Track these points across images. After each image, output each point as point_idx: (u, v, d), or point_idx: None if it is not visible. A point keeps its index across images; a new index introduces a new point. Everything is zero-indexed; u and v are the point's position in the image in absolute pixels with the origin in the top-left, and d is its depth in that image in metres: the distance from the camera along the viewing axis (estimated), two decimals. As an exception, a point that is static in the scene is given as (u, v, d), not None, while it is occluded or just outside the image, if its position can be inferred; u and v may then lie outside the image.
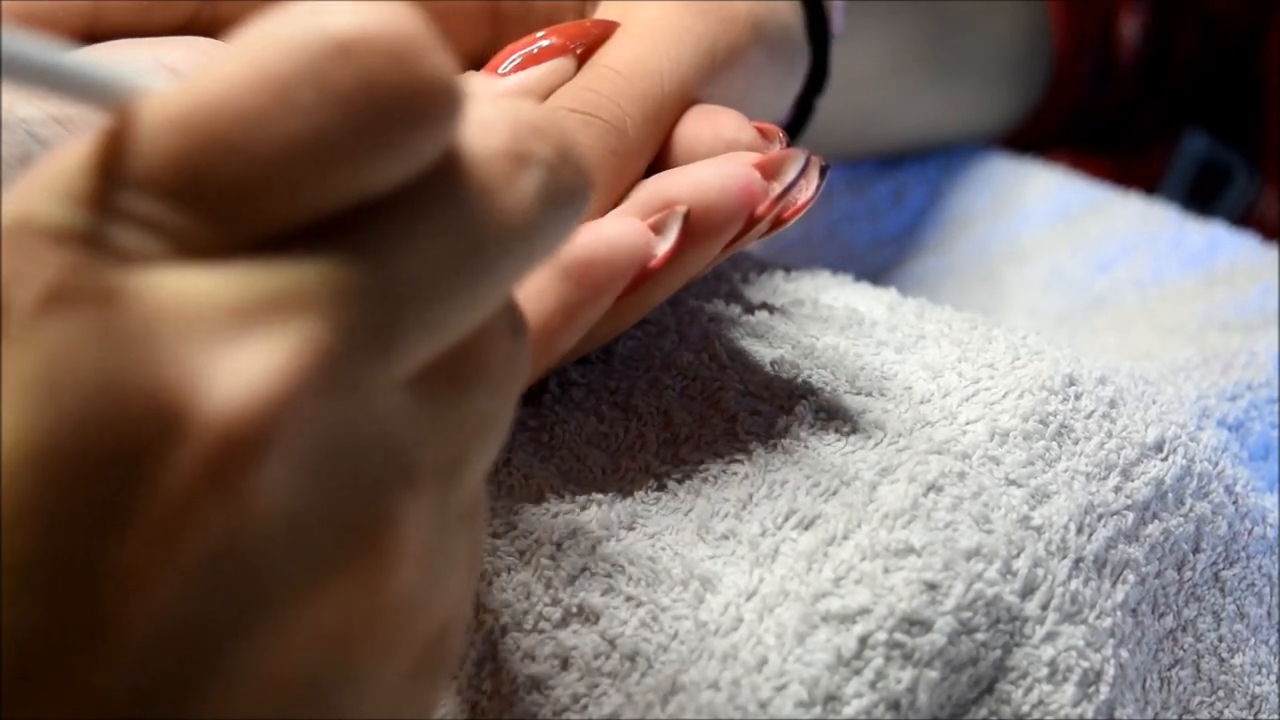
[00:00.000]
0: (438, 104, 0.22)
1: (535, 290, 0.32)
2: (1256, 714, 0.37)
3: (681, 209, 0.34)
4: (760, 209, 0.33)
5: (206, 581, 0.21)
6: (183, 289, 0.21)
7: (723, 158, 0.34)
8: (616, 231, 0.33)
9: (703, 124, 0.36)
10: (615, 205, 0.36)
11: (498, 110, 0.24)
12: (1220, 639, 0.37)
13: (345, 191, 0.22)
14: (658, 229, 0.34)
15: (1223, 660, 0.37)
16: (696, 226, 0.33)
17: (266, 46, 0.22)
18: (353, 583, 0.22)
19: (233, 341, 0.21)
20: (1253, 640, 0.38)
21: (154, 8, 0.36)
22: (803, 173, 0.34)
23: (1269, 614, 0.38)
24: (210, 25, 0.36)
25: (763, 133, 0.36)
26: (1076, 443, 0.34)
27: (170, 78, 0.33)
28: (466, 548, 0.25)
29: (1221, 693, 0.37)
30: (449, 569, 0.24)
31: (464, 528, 0.25)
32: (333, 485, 0.22)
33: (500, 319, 0.25)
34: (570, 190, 0.25)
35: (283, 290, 0.22)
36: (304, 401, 0.21)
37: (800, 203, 0.34)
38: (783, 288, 0.40)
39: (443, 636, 0.25)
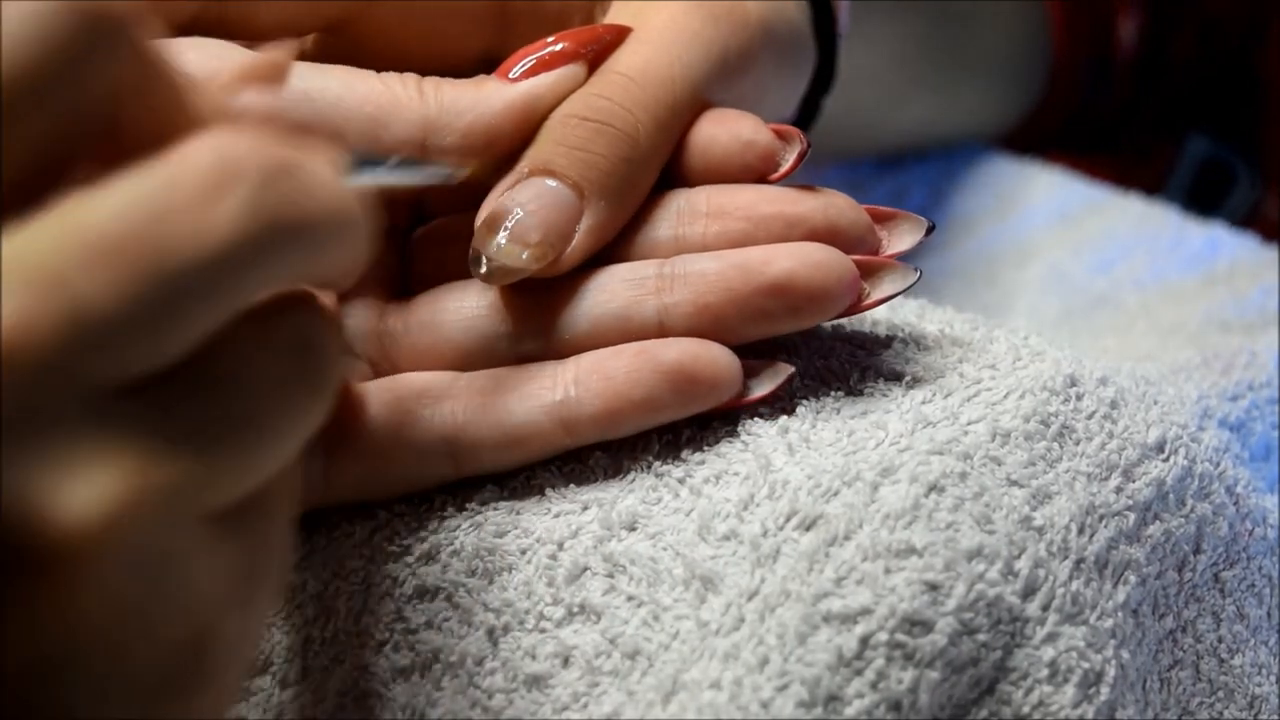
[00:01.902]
0: (97, 24, 0.24)
1: (628, 374, 0.33)
2: (1256, 715, 0.37)
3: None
4: (863, 305, 0.34)
5: None
6: None
7: (827, 248, 0.34)
8: (721, 358, 0.33)
9: (719, 127, 0.36)
10: (630, 213, 0.36)
11: (215, 135, 0.25)
12: (1220, 640, 0.37)
13: (45, 117, 0.23)
14: (754, 372, 0.34)
15: (1222, 661, 0.37)
16: (804, 305, 0.33)
17: None
18: (32, 583, 0.22)
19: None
20: (1252, 641, 0.38)
21: (159, 7, 0.36)
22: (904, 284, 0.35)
23: (1269, 615, 0.38)
24: (216, 23, 0.36)
25: (780, 134, 0.36)
26: (1078, 443, 0.34)
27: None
28: (223, 551, 0.25)
29: (1221, 693, 0.37)
30: (184, 566, 0.24)
31: (217, 529, 0.25)
32: None
33: (266, 331, 0.26)
34: (280, 218, 0.25)
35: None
36: None
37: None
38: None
39: (196, 644, 0.25)
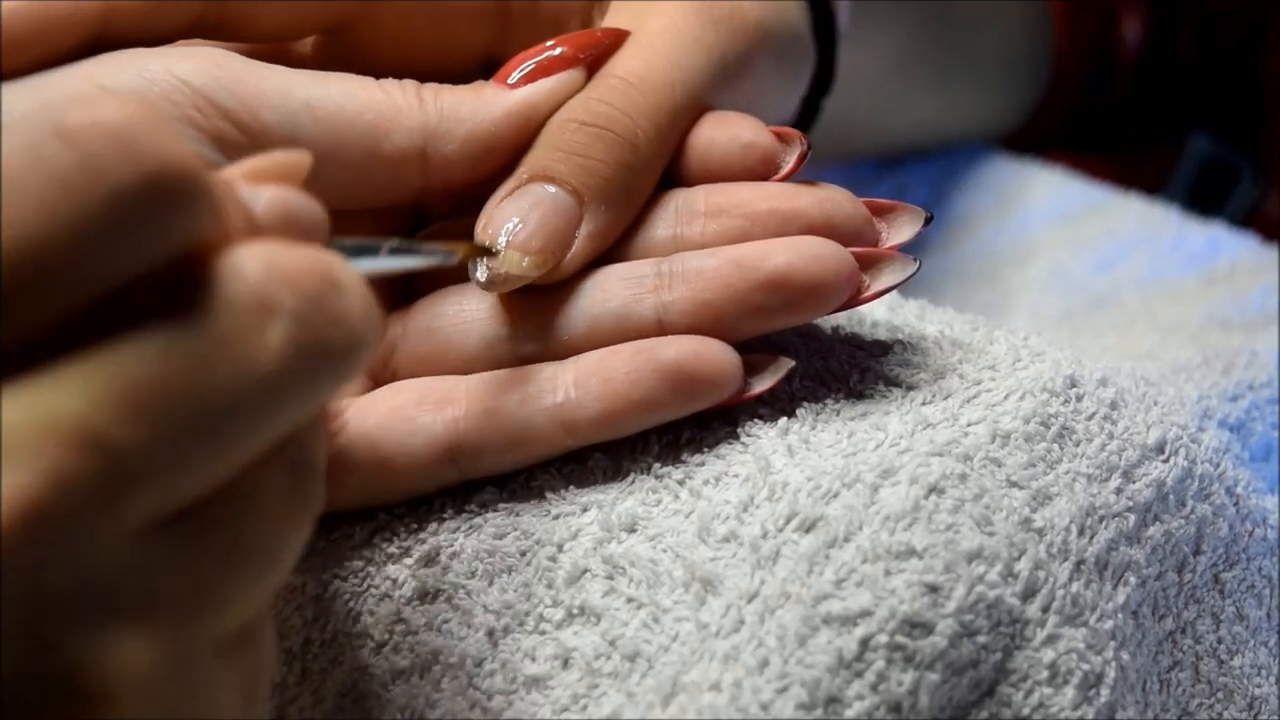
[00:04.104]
0: (170, 189, 0.23)
1: (627, 374, 0.33)
2: (1256, 715, 0.37)
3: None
4: (863, 297, 0.34)
5: None
6: None
7: (831, 243, 0.34)
8: (722, 355, 0.33)
9: (719, 129, 0.36)
10: (631, 218, 0.36)
11: (253, 255, 0.24)
12: (1219, 641, 0.37)
13: (89, 280, 0.22)
14: (755, 368, 0.34)
15: (1222, 662, 0.37)
16: (802, 299, 0.33)
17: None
18: None
19: None
20: (1252, 642, 0.38)
21: (162, 9, 0.35)
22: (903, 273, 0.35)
23: (1269, 616, 0.38)
24: (217, 26, 0.36)
25: (781, 136, 0.36)
26: (1078, 444, 0.34)
27: (182, 89, 0.33)
28: (231, 676, 0.25)
29: (1221, 694, 0.37)
30: (202, 701, 0.24)
31: (226, 658, 0.25)
32: (38, 639, 0.21)
33: (275, 455, 0.25)
34: (324, 344, 0.24)
35: (4, 428, 0.21)
36: (8, 555, 0.21)
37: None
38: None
39: None
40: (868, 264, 0.34)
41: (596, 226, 0.35)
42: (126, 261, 0.23)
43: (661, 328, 0.34)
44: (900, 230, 0.35)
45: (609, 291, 0.35)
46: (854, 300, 0.34)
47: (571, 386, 0.34)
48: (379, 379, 0.36)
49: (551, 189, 0.34)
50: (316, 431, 0.27)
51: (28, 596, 0.21)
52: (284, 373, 0.24)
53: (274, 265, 0.24)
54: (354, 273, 0.25)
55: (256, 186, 0.27)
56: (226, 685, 0.25)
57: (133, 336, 0.23)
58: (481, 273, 0.34)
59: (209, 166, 0.24)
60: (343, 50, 0.38)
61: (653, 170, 0.36)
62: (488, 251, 0.34)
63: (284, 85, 0.34)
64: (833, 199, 0.35)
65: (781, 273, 0.33)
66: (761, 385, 0.34)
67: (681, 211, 0.36)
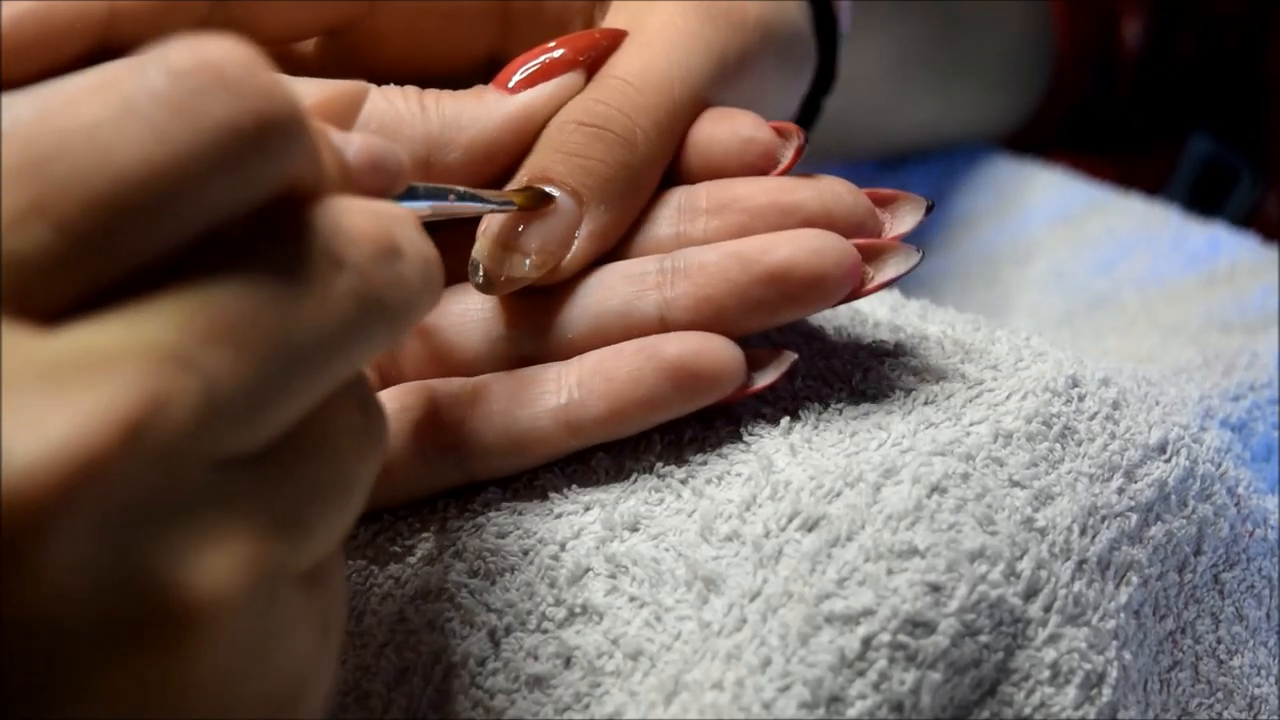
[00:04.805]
0: (273, 127, 0.24)
1: (630, 373, 0.33)
2: (1255, 715, 0.37)
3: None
4: (866, 289, 0.34)
5: None
6: (9, 345, 0.22)
7: (832, 235, 0.34)
8: (725, 350, 0.33)
9: (719, 125, 0.36)
10: (632, 217, 0.36)
11: (329, 213, 0.25)
12: (1219, 641, 0.37)
13: (193, 215, 0.23)
14: (757, 363, 0.34)
15: (1221, 662, 0.37)
16: (803, 292, 0.33)
17: (108, 72, 0.23)
18: (152, 653, 0.22)
19: (41, 400, 0.21)
20: (1251, 642, 0.38)
21: (169, 9, 0.35)
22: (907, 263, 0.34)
23: (1268, 616, 0.38)
24: (223, 25, 0.36)
25: (780, 131, 0.36)
26: (1080, 444, 0.34)
27: None
28: (311, 611, 0.26)
29: (1220, 694, 0.37)
30: (284, 632, 0.25)
31: (305, 591, 0.26)
32: (129, 556, 0.22)
33: (345, 395, 0.26)
34: (382, 301, 0.26)
35: (104, 349, 0.22)
36: (104, 468, 0.21)
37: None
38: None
39: (293, 698, 0.25)
40: (871, 255, 0.34)
41: (597, 226, 0.35)
42: (230, 197, 0.24)
43: (664, 324, 0.34)
44: (903, 220, 0.35)
45: (611, 289, 0.35)
46: (857, 292, 0.34)
47: (575, 387, 0.34)
48: (387, 377, 0.36)
49: (552, 190, 0.35)
50: (365, 375, 0.28)
51: (122, 510, 0.22)
52: (345, 321, 0.25)
53: (344, 224, 0.25)
54: (416, 240, 0.27)
55: (347, 134, 0.28)
56: (305, 620, 0.25)
57: (226, 273, 0.24)
58: (480, 275, 0.34)
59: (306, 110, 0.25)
60: (346, 51, 0.38)
61: (653, 168, 0.36)
62: (547, 198, 0.34)
63: None
64: (833, 191, 0.35)
65: (783, 266, 0.33)
66: (765, 380, 0.34)
67: (684, 209, 0.36)
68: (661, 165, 0.36)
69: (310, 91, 0.34)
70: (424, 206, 0.32)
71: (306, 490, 0.25)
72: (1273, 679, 0.38)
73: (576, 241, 0.35)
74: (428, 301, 0.27)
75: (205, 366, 0.23)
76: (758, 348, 0.35)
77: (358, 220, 0.26)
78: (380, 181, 0.28)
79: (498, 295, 0.35)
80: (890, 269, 0.34)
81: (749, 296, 0.33)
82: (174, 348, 0.22)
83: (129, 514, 0.22)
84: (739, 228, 0.35)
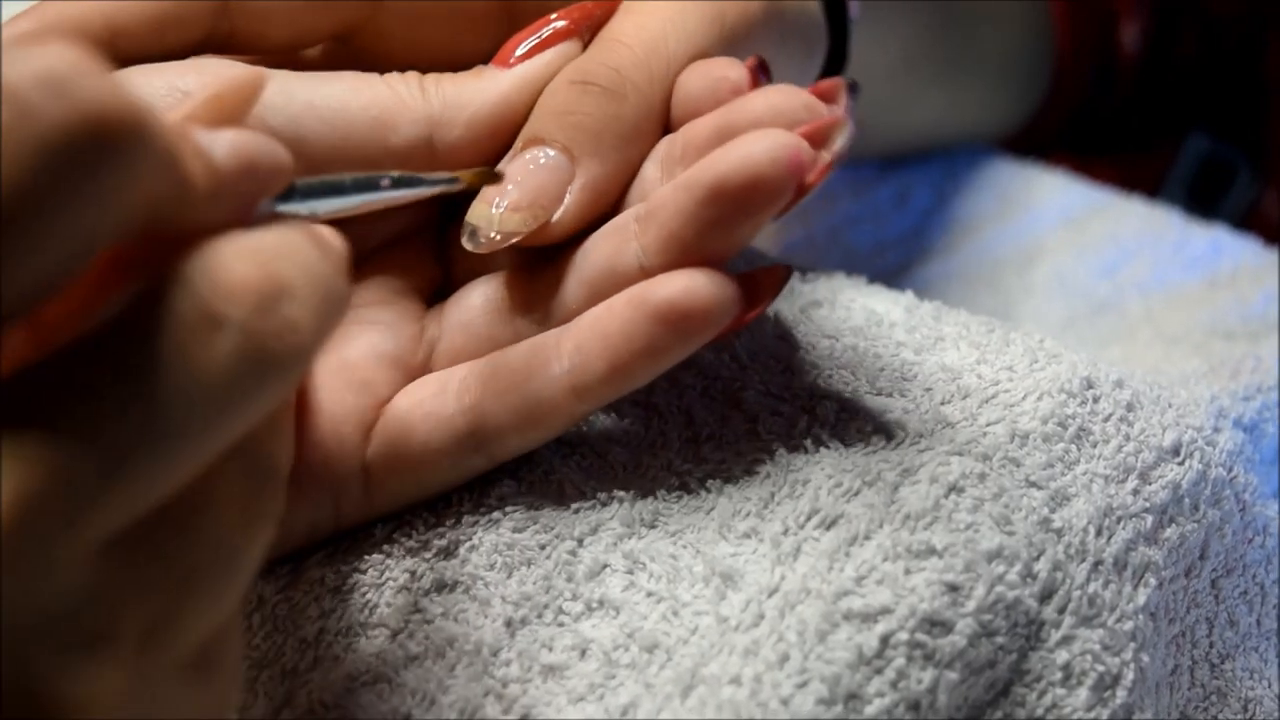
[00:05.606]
0: (111, 132, 0.21)
1: (623, 327, 0.32)
2: (1251, 717, 0.38)
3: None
4: (810, 178, 0.32)
5: None
6: None
7: (767, 131, 0.32)
8: (712, 284, 0.32)
9: (694, 70, 0.36)
10: (628, 169, 0.35)
11: (202, 265, 0.23)
12: (1211, 645, 0.37)
13: (34, 255, 0.21)
14: (752, 285, 0.33)
15: (1214, 666, 0.37)
16: (747, 199, 0.32)
17: None
18: None
19: None
20: (1242, 647, 0.38)
21: (169, 28, 0.35)
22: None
23: (1258, 622, 0.39)
24: (227, 41, 0.36)
25: (821, 94, 0.35)
26: (1095, 445, 0.35)
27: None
28: (196, 701, 0.25)
29: (1215, 697, 0.37)
30: None
31: (188, 681, 0.24)
32: (13, 665, 0.21)
33: (232, 459, 0.24)
34: (269, 354, 0.24)
35: None
36: None
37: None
38: (800, 289, 0.40)
39: None
40: (818, 140, 0.33)
41: (588, 178, 0.34)
42: (73, 227, 0.21)
43: (645, 272, 0.33)
44: (838, 103, 0.34)
45: (599, 249, 0.35)
46: (805, 184, 0.32)
47: (574, 352, 0.33)
48: (410, 370, 0.36)
49: (543, 150, 0.34)
50: (276, 436, 0.26)
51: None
52: (230, 384, 0.23)
53: (221, 279, 0.23)
54: (308, 266, 0.24)
55: (214, 131, 0.25)
56: (191, 710, 0.24)
57: (90, 347, 0.22)
58: (470, 235, 0.34)
59: (155, 110, 0.23)
60: (351, 56, 0.38)
61: (647, 119, 0.35)
62: (494, 177, 0.34)
63: (286, 89, 0.35)
64: (769, 102, 0.34)
65: (719, 180, 0.32)
66: (762, 302, 0.33)
67: (666, 159, 0.35)
68: (657, 117, 0.36)
69: (198, 84, 0.33)
70: (329, 206, 0.30)
71: (187, 563, 0.24)
72: (1266, 681, 0.38)
73: (569, 195, 0.34)
74: (326, 333, 0.25)
75: (67, 459, 0.21)
76: (747, 270, 0.34)
77: (237, 269, 0.23)
78: (255, 184, 0.25)
79: (486, 253, 0.35)
80: (837, 145, 0.33)
81: (702, 220, 0.32)
82: (38, 441, 0.21)
83: (7, 624, 0.21)
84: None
